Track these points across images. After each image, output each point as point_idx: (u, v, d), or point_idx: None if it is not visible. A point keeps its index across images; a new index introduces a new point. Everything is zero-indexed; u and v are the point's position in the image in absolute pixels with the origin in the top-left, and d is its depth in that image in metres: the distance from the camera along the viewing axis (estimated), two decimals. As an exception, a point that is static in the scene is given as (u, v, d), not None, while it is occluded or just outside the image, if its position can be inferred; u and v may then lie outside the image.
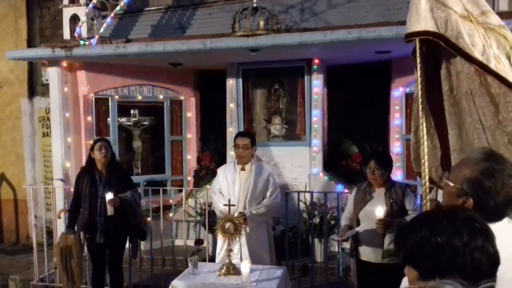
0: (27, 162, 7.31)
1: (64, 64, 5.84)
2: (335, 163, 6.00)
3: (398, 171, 5.74)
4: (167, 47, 5.21)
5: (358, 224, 3.66)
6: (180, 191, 6.10)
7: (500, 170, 1.55)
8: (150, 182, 6.19)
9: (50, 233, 5.80)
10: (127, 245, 4.54)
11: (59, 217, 5.13)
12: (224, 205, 3.77)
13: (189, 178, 6.66)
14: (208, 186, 5.29)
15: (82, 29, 5.68)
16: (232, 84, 6.12)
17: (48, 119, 6.85)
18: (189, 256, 3.73)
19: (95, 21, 5.73)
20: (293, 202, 5.04)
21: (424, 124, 2.17)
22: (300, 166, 5.91)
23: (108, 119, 6.15)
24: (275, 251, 4.50)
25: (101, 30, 5.60)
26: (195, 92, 6.77)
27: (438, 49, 2.15)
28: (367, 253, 3.63)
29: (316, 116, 5.83)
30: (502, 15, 2.63)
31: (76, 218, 4.40)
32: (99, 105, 6.09)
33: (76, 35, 5.56)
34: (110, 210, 4.13)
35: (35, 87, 7.32)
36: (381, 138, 6.08)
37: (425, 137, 2.16)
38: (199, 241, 3.82)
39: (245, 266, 3.40)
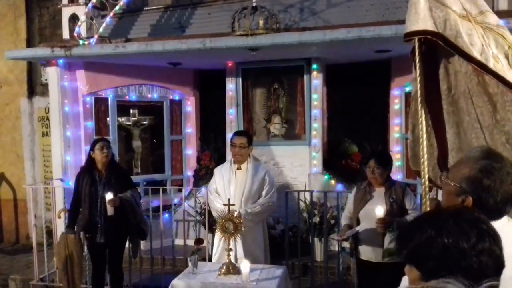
0: (27, 162, 7.31)
1: (64, 63, 5.84)
2: (335, 162, 6.00)
3: (398, 170, 5.75)
4: (167, 47, 5.20)
5: (358, 223, 3.66)
6: (180, 190, 6.10)
7: (499, 168, 1.55)
8: (150, 181, 6.19)
9: (50, 233, 5.79)
10: (127, 244, 4.54)
11: (59, 217, 5.13)
12: (224, 204, 3.77)
13: (188, 178, 6.66)
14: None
15: (82, 28, 5.67)
16: (232, 84, 6.12)
17: (48, 118, 6.84)
18: (189, 256, 3.73)
19: (94, 21, 5.72)
20: (293, 202, 5.04)
21: (424, 123, 2.17)
22: (300, 165, 5.91)
23: (108, 119, 6.15)
24: (275, 251, 4.50)
25: (101, 29, 5.59)
26: (195, 91, 6.76)
27: (437, 48, 2.16)
28: (367, 252, 3.63)
29: (316, 116, 5.83)
30: (501, 14, 2.64)
31: (76, 218, 4.40)
32: (98, 104, 6.09)
33: (76, 34, 5.56)
34: (110, 210, 4.13)
35: (35, 86, 7.31)
36: (381, 137, 6.08)
37: (424, 136, 2.16)
38: (199, 241, 3.82)
39: (245, 266, 3.40)
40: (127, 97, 6.27)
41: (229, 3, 5.96)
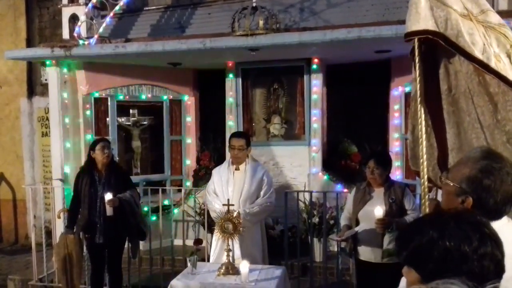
0: (26, 162, 7.30)
1: (63, 63, 5.84)
2: (334, 162, 5.99)
3: (398, 171, 5.74)
4: (167, 47, 5.20)
5: (357, 223, 3.66)
6: (179, 191, 6.10)
7: (499, 168, 1.54)
8: (149, 182, 6.18)
9: (49, 233, 5.78)
10: (126, 245, 4.53)
11: (59, 217, 5.13)
12: (224, 204, 3.76)
13: (188, 178, 6.65)
14: (207, 186, 5.29)
15: (81, 28, 5.67)
16: (232, 84, 6.11)
17: (47, 119, 6.84)
18: (188, 256, 3.73)
19: (94, 21, 5.72)
20: (292, 202, 5.03)
21: (423, 123, 2.16)
22: (299, 165, 5.91)
23: (108, 119, 6.15)
24: (275, 251, 4.49)
25: (101, 29, 5.59)
26: (195, 91, 6.76)
27: (437, 48, 2.15)
28: (366, 253, 3.63)
29: (316, 116, 5.83)
30: (501, 14, 2.62)
31: (75, 218, 4.39)
32: (98, 105, 6.09)
33: (76, 34, 5.56)
34: (109, 211, 4.12)
35: (34, 86, 7.31)
36: (380, 137, 6.08)
37: (424, 136, 2.15)
38: (198, 241, 3.82)
39: (244, 266, 3.39)
40: (127, 97, 6.26)
41: (229, 3, 5.96)
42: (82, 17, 5.68)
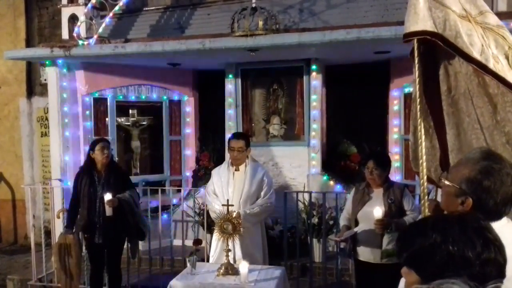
0: (25, 162, 7.30)
1: (63, 64, 5.83)
2: (333, 163, 5.99)
3: (397, 172, 5.75)
4: (166, 47, 5.20)
5: (356, 224, 3.66)
6: (179, 191, 6.10)
7: (498, 169, 1.55)
8: (149, 182, 6.18)
9: (48, 233, 5.78)
10: (125, 245, 4.53)
11: (58, 217, 5.13)
12: (223, 205, 3.77)
13: (187, 178, 6.65)
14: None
15: (81, 29, 5.67)
16: (231, 84, 6.11)
17: (47, 119, 6.83)
18: (187, 256, 3.73)
19: (93, 21, 5.72)
20: (292, 202, 5.03)
21: (422, 124, 2.17)
22: (298, 166, 5.91)
23: (107, 119, 6.15)
24: (274, 251, 4.49)
25: (100, 30, 5.59)
26: (194, 92, 6.76)
27: (437, 49, 2.15)
28: (365, 253, 3.63)
29: (315, 116, 5.83)
30: (500, 15, 2.63)
31: (75, 218, 4.39)
32: (97, 105, 6.09)
33: (75, 35, 5.55)
34: (108, 211, 4.12)
35: (34, 86, 7.31)
36: (380, 138, 6.08)
37: (423, 137, 2.16)
38: (197, 241, 3.82)
39: (244, 266, 3.39)
40: (126, 97, 6.26)
41: (229, 4, 5.97)
42: (82, 17, 5.68)
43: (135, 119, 6.43)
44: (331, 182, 5.75)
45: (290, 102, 6.05)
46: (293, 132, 6.06)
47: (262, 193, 4.15)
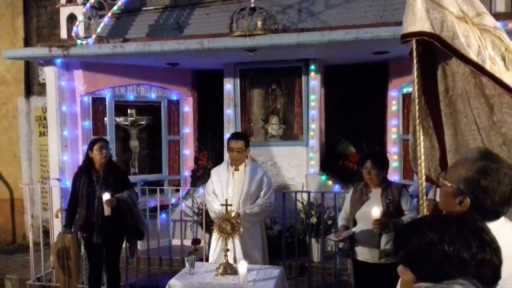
0: (24, 162, 7.29)
1: (61, 63, 5.83)
2: (332, 163, 6.00)
3: (395, 172, 5.76)
4: (165, 47, 5.20)
5: (354, 224, 3.67)
6: (177, 191, 6.10)
7: (496, 169, 1.55)
8: (147, 182, 6.18)
9: (46, 232, 5.78)
10: (124, 245, 4.53)
11: (57, 217, 5.12)
12: (222, 205, 3.77)
13: (186, 178, 6.66)
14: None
15: (80, 28, 5.66)
16: (230, 84, 6.12)
17: (45, 118, 6.82)
18: (186, 256, 3.73)
19: (92, 21, 5.71)
20: (291, 202, 5.04)
21: (421, 124, 2.18)
22: (297, 166, 5.92)
23: (105, 119, 6.14)
24: (272, 251, 4.49)
25: (99, 29, 5.58)
26: (193, 91, 6.76)
27: (434, 50, 2.16)
28: (363, 253, 3.64)
29: (314, 116, 5.84)
30: (499, 16, 2.65)
31: (73, 217, 4.39)
32: (96, 104, 6.08)
33: (74, 34, 5.55)
34: (107, 210, 4.12)
35: (32, 86, 7.30)
36: (378, 138, 6.09)
37: (422, 137, 2.17)
38: (196, 241, 3.82)
39: (242, 266, 3.40)
40: (125, 97, 6.26)
41: (227, 4, 5.97)
42: (80, 17, 5.67)
43: (133, 118, 6.43)
44: (330, 182, 5.76)
45: (288, 102, 6.06)
46: (291, 132, 6.07)
47: (262, 193, 4.15)
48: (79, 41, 5.49)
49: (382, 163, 3.71)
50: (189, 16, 6.32)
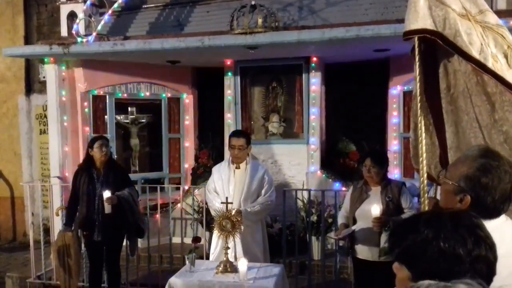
0: (24, 160, 7.29)
1: (62, 61, 5.82)
2: (332, 161, 6.00)
3: (396, 169, 5.75)
4: (165, 45, 5.19)
5: (354, 222, 3.67)
6: (178, 189, 6.09)
7: (496, 166, 1.55)
8: (148, 179, 6.18)
9: (47, 230, 5.79)
10: (124, 242, 4.53)
11: (57, 215, 5.13)
12: (222, 202, 3.77)
13: (186, 176, 6.65)
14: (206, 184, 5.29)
15: (80, 26, 5.65)
16: (230, 82, 6.11)
17: (45, 116, 6.82)
18: (186, 254, 3.73)
19: (92, 18, 5.70)
20: (291, 200, 5.04)
21: (423, 122, 2.17)
22: (298, 164, 5.92)
23: (106, 117, 6.14)
24: (273, 249, 4.49)
25: (99, 27, 5.58)
26: (193, 89, 6.76)
27: (436, 47, 2.16)
28: (363, 252, 3.64)
29: (314, 114, 5.83)
30: (500, 13, 2.64)
31: (74, 215, 4.39)
32: (96, 102, 6.08)
33: (74, 32, 5.54)
34: (107, 208, 4.12)
35: (32, 84, 7.30)
36: (379, 136, 6.09)
37: (424, 135, 2.16)
38: (196, 239, 3.82)
39: (243, 264, 3.40)
40: (125, 95, 6.26)
41: (228, 1, 5.95)
42: (81, 15, 5.66)
43: (134, 116, 6.43)
44: (330, 180, 5.76)
45: (289, 100, 6.05)
46: (292, 130, 6.06)
47: (263, 191, 4.15)
48: (79, 39, 5.48)
49: (382, 161, 3.70)
50: (190, 13, 6.31)
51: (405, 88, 5.64)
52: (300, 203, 5.31)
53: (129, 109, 6.40)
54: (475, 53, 1.98)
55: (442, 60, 2.15)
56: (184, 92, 6.65)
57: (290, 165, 5.96)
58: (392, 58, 5.77)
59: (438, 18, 2.04)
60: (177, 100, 6.63)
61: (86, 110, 6.02)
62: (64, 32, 5.92)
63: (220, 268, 3.54)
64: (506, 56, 2.02)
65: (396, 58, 5.65)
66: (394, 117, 5.86)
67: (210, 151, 6.50)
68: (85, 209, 4.27)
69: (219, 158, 5.86)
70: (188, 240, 4.79)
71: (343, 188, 5.34)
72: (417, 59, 2.14)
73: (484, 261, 1.11)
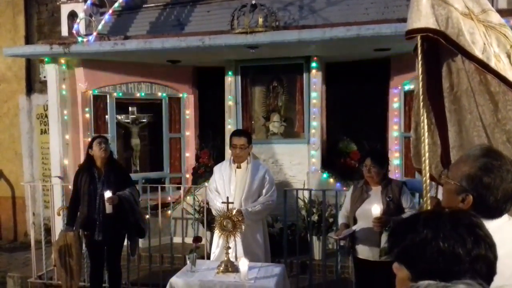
0: (25, 159, 7.29)
1: (62, 61, 5.82)
2: (333, 160, 6.00)
3: (397, 169, 5.75)
4: (166, 44, 5.19)
5: (355, 222, 3.66)
6: (179, 188, 6.10)
7: (498, 166, 1.54)
8: (149, 179, 6.18)
9: (48, 230, 5.78)
10: (125, 242, 4.53)
11: (59, 215, 5.12)
12: (223, 202, 3.77)
13: (187, 176, 6.65)
14: (206, 184, 5.28)
15: (80, 25, 5.65)
16: (231, 82, 6.11)
17: (46, 116, 6.83)
18: (187, 254, 3.73)
19: (93, 18, 5.71)
20: (292, 200, 5.04)
21: (425, 121, 2.17)
22: (298, 163, 5.91)
23: (107, 116, 6.14)
24: (274, 249, 4.48)
25: (99, 27, 5.58)
26: (194, 89, 6.76)
27: (439, 46, 2.15)
28: (364, 251, 3.63)
29: (315, 114, 5.83)
30: (501, 12, 2.63)
31: (75, 215, 4.39)
32: (97, 102, 6.08)
33: (74, 31, 5.54)
34: (108, 208, 4.12)
35: (33, 84, 7.30)
36: (379, 135, 6.08)
37: (426, 134, 2.15)
38: (197, 239, 3.82)
39: (243, 264, 3.39)
40: (126, 94, 6.26)
41: (229, 1, 5.95)
42: (81, 14, 5.66)
43: (134, 116, 6.42)
44: (331, 180, 5.76)
45: (290, 99, 6.05)
46: (293, 130, 6.06)
47: (264, 191, 4.14)
48: (80, 39, 5.48)
49: (382, 161, 3.69)
50: (190, 13, 6.31)
51: (406, 87, 5.63)
52: (301, 202, 5.31)
53: (130, 108, 6.40)
54: (477, 53, 1.98)
55: (445, 59, 2.15)
56: (184, 91, 6.65)
57: (291, 164, 5.96)
58: (392, 58, 5.77)
59: (441, 17, 2.04)
60: (177, 100, 6.62)
61: (87, 109, 6.01)
62: (64, 31, 5.92)
63: (221, 268, 3.54)
64: (509, 56, 2.02)
65: (396, 57, 5.65)
66: (395, 117, 5.86)
67: (211, 150, 6.50)
68: (86, 209, 4.27)
69: (220, 158, 5.86)
70: (189, 240, 4.78)
71: (344, 188, 5.34)
72: (419, 58, 2.13)
73: (484, 261, 1.10)
